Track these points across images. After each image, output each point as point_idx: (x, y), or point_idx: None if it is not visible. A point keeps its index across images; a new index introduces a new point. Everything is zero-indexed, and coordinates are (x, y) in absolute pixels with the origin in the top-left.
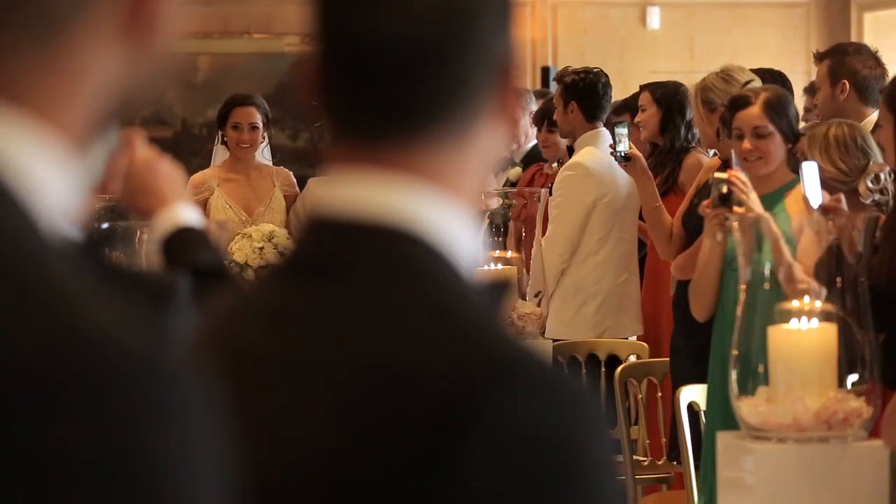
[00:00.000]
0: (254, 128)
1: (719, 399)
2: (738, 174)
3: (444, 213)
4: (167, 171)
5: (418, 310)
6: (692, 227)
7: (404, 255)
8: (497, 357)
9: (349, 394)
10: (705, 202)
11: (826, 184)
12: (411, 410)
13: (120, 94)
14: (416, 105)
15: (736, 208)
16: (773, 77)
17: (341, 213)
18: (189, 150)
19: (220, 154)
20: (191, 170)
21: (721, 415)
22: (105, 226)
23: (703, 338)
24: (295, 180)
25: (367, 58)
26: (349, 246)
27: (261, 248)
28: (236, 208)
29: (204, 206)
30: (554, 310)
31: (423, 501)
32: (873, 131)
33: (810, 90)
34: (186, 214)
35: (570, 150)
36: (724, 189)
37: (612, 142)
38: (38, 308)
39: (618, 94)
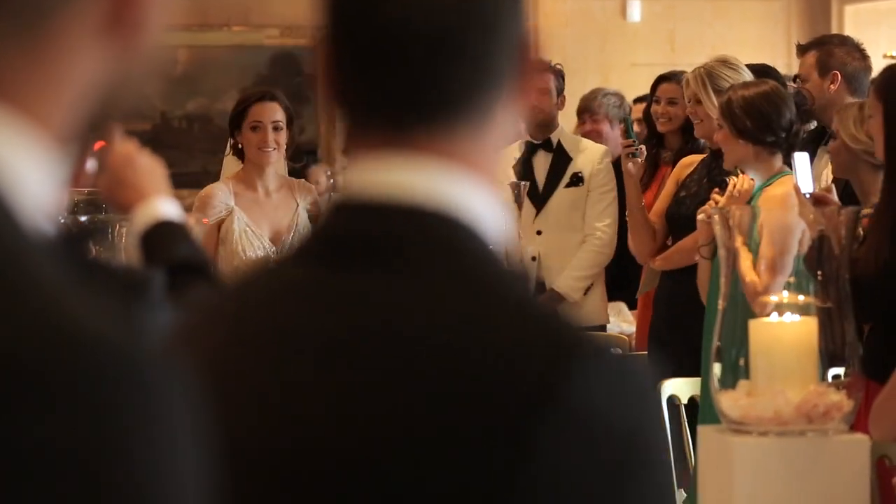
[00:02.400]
0: (277, 128)
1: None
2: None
3: (477, 196)
4: (146, 164)
5: (478, 296)
6: (677, 221)
7: (452, 240)
8: (569, 343)
9: (421, 378)
10: (715, 191)
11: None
12: (487, 396)
13: (104, 91)
14: (442, 91)
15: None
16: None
17: (377, 197)
18: (168, 143)
19: (230, 165)
20: (169, 164)
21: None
22: (84, 220)
23: (685, 331)
24: (315, 195)
25: (393, 45)
26: (395, 229)
27: None
28: (259, 234)
29: (218, 228)
30: None
31: (500, 487)
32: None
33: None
34: (165, 208)
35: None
36: (721, 178)
37: (629, 134)
38: (19, 304)
39: (598, 86)
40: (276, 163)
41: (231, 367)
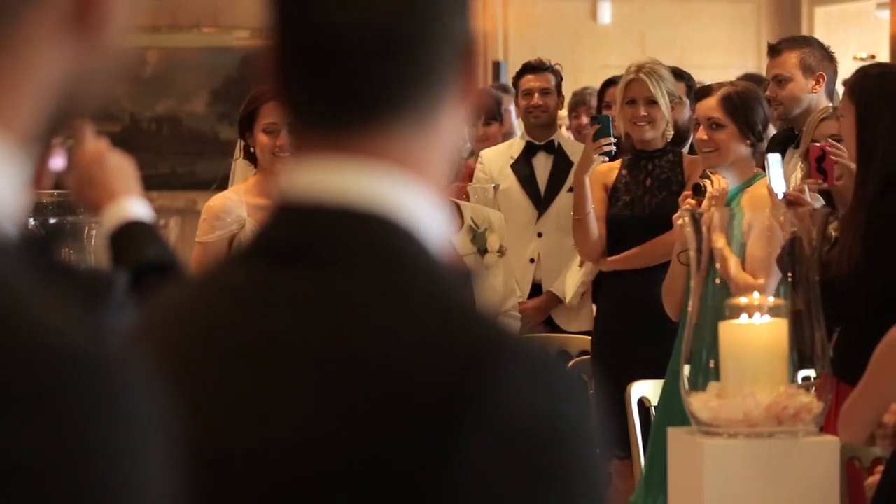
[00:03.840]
0: None
1: (678, 396)
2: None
3: (416, 198)
4: (117, 164)
5: (407, 297)
6: (625, 226)
7: (385, 242)
8: (490, 343)
9: (341, 380)
10: (685, 192)
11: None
12: (406, 397)
13: (67, 90)
14: (380, 91)
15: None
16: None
17: (314, 199)
18: (137, 145)
19: (241, 171)
20: (139, 166)
21: (681, 411)
22: (53, 221)
23: (645, 333)
24: None
25: (330, 46)
26: (328, 232)
27: None
28: None
29: (230, 244)
30: None
31: (420, 487)
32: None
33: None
34: (135, 208)
35: None
36: (698, 181)
37: (608, 133)
38: None
39: (569, 88)
40: None
41: (175, 370)
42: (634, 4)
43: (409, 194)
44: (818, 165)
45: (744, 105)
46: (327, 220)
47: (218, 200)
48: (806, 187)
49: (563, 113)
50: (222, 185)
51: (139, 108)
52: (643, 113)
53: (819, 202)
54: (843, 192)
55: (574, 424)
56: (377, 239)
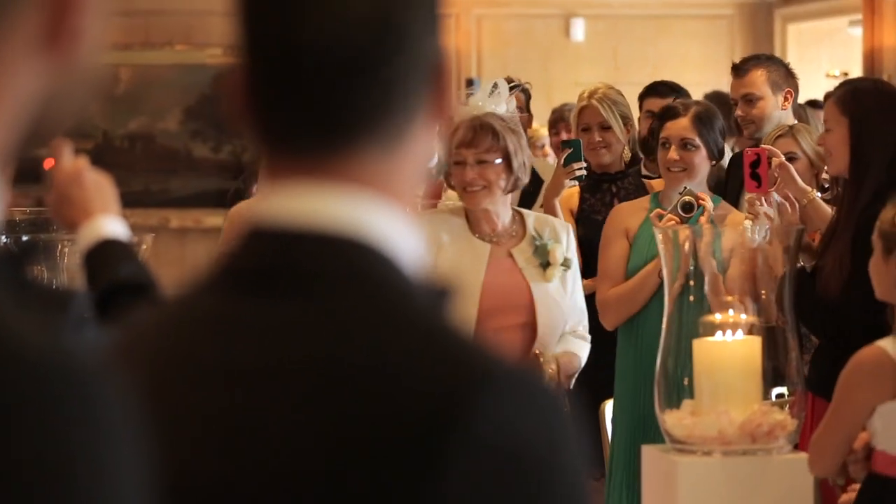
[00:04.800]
0: None
1: (629, 411)
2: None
3: (389, 221)
4: (94, 182)
5: (386, 321)
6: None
7: (360, 265)
8: (472, 367)
9: (321, 405)
10: (657, 211)
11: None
12: (388, 423)
13: (41, 109)
14: (350, 113)
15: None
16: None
17: (286, 224)
18: (110, 163)
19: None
20: (112, 183)
21: (630, 426)
22: (26, 239)
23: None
24: None
25: (299, 68)
26: (302, 257)
27: None
28: None
29: None
30: None
31: None
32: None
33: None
34: (111, 227)
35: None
36: (688, 199)
37: (579, 157)
38: None
39: (542, 105)
40: None
41: (148, 396)
42: (607, 21)
43: (381, 217)
44: (752, 171)
45: (710, 124)
46: (301, 245)
47: (245, 207)
48: (757, 201)
49: (544, 131)
50: (237, 196)
51: (112, 126)
52: (598, 139)
53: (774, 214)
54: (810, 210)
55: (558, 448)
56: (352, 263)
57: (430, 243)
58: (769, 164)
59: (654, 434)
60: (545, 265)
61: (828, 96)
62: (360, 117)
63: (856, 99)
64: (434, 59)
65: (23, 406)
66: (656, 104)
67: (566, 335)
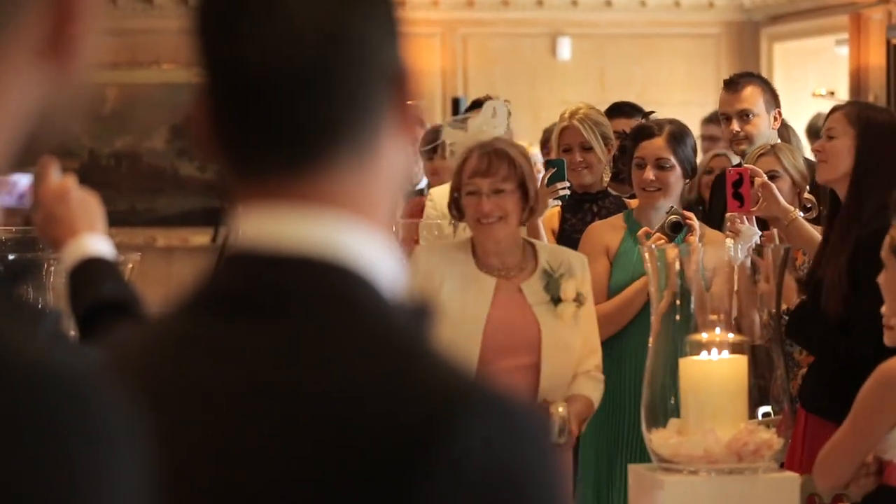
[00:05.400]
0: None
1: (604, 430)
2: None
3: (362, 239)
4: (81, 200)
5: (363, 343)
6: None
7: (336, 287)
8: (455, 393)
9: (298, 431)
10: (644, 230)
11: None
12: (365, 447)
13: (36, 120)
14: (310, 130)
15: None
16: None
17: (259, 248)
18: (96, 182)
19: None
20: (102, 201)
21: (605, 444)
22: (12, 258)
23: None
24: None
25: (253, 87)
26: (277, 280)
27: None
28: None
29: None
30: None
31: None
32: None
33: (718, 119)
34: (95, 245)
35: None
36: (675, 218)
37: (562, 177)
38: None
39: (529, 124)
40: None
41: None
42: (594, 41)
43: (354, 236)
44: (734, 191)
45: (684, 142)
46: (276, 268)
47: None
48: (742, 220)
49: (535, 150)
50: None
51: (98, 145)
52: (579, 159)
53: (756, 233)
54: (793, 230)
55: (537, 471)
56: (328, 285)
57: (431, 277)
58: (752, 183)
59: (629, 453)
60: (556, 301)
61: (834, 109)
62: (322, 133)
63: (867, 113)
64: (394, 70)
65: (20, 415)
66: (623, 124)
67: (579, 376)
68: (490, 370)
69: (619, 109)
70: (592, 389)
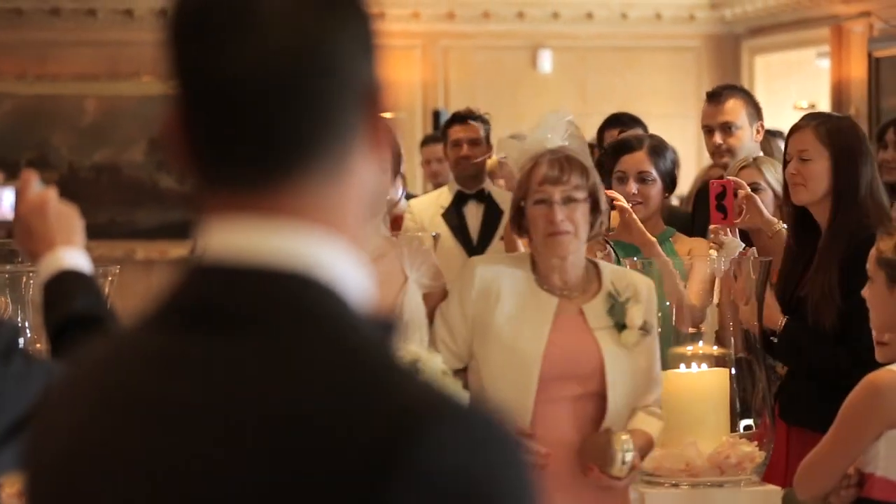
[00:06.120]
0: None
1: None
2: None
3: (332, 253)
4: (58, 212)
5: (330, 357)
6: None
7: (304, 300)
8: (418, 405)
9: (264, 445)
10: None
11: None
12: (331, 462)
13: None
14: (280, 142)
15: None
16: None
17: (227, 260)
18: (76, 194)
19: None
20: (82, 214)
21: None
22: None
23: None
24: (436, 266)
25: (224, 97)
26: (244, 293)
27: None
28: None
29: None
30: None
31: None
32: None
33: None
34: (71, 258)
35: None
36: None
37: None
38: None
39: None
40: (381, 219)
41: (90, 437)
42: (575, 53)
43: (321, 249)
44: (718, 203)
45: (664, 156)
46: (243, 280)
47: None
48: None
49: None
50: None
51: (77, 157)
52: None
53: (739, 245)
54: (777, 242)
55: (507, 485)
56: (295, 298)
57: (487, 293)
58: (735, 195)
59: None
60: (620, 327)
61: (797, 127)
62: (292, 146)
63: (837, 130)
64: (368, 86)
65: None
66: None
67: (638, 411)
68: (548, 399)
69: (618, 120)
70: (654, 427)
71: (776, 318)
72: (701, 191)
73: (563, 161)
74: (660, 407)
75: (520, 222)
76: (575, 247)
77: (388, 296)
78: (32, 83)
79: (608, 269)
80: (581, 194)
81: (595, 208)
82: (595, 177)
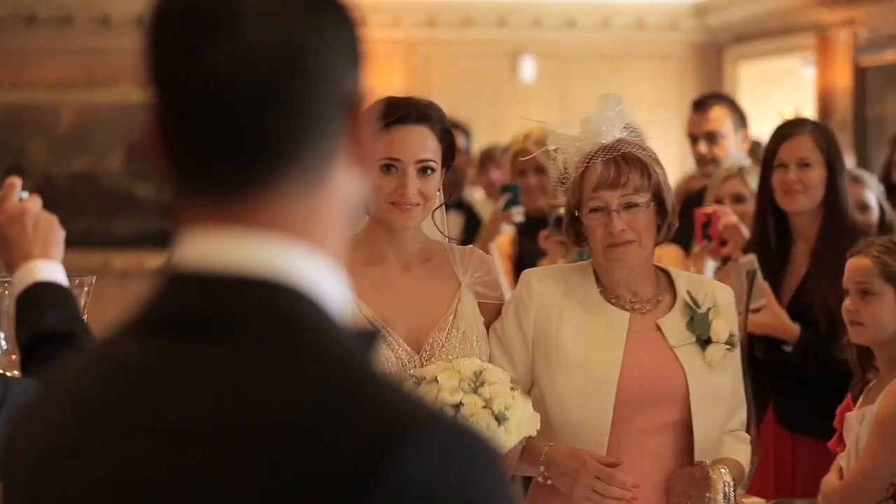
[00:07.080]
0: (425, 169)
1: None
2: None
3: (310, 262)
4: (36, 223)
5: (309, 367)
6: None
7: (282, 309)
8: (397, 415)
9: (243, 454)
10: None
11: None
12: (311, 472)
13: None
14: (259, 149)
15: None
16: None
17: (204, 269)
18: (52, 203)
19: None
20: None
21: None
22: None
23: None
24: (497, 269)
25: (202, 102)
26: (222, 302)
27: (458, 405)
28: (391, 332)
29: None
30: None
31: None
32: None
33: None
34: (46, 271)
35: None
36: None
37: (518, 202)
38: None
39: (492, 144)
40: (419, 224)
41: (68, 445)
42: (557, 61)
43: (300, 259)
44: (703, 232)
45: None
46: (220, 289)
47: None
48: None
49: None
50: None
51: (54, 166)
52: (534, 182)
53: (752, 259)
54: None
55: (486, 496)
56: (273, 307)
57: (548, 309)
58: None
59: None
60: (704, 342)
61: (791, 133)
62: (272, 153)
63: (832, 140)
64: (350, 94)
65: None
66: None
67: (726, 437)
68: (628, 427)
69: None
70: (744, 455)
71: (788, 328)
72: (684, 204)
73: (619, 161)
74: (745, 428)
75: (577, 229)
76: (640, 257)
77: (439, 302)
78: (8, 91)
79: (681, 277)
80: (642, 198)
81: (661, 209)
82: (659, 173)
